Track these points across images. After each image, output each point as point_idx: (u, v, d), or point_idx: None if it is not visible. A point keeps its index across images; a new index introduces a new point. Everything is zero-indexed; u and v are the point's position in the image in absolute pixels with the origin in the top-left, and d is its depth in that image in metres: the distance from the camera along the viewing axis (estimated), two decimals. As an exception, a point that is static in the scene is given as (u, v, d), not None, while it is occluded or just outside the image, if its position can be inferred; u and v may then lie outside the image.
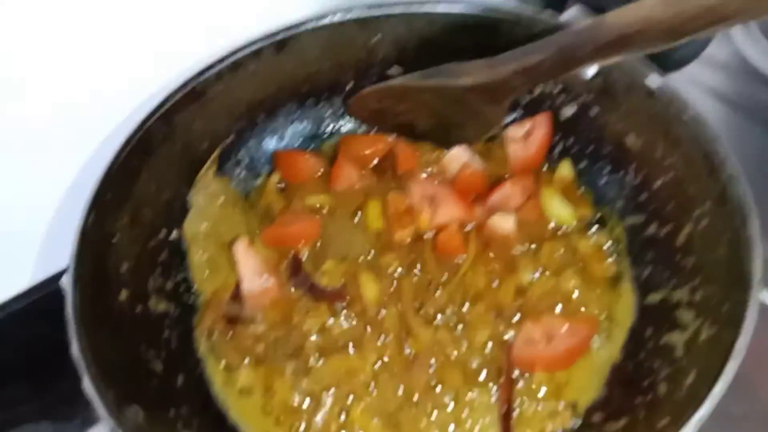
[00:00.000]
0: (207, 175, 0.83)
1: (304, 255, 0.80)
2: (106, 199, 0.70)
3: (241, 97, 0.83)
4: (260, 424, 0.70)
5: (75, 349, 0.59)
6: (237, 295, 0.78)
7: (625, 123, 0.76)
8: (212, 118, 0.82)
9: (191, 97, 0.78)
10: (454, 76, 0.74)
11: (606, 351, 0.71)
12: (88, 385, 0.57)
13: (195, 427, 0.66)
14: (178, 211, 0.81)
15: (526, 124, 0.85)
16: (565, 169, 0.83)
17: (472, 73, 0.72)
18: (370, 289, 0.76)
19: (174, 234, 0.79)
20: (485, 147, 0.87)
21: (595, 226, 0.79)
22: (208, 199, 0.83)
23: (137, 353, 0.68)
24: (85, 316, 0.62)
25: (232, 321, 0.76)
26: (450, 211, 0.80)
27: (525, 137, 0.85)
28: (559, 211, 0.79)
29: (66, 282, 0.63)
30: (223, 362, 0.74)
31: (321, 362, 0.72)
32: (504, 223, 0.78)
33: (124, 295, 0.70)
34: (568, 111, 0.82)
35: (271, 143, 0.88)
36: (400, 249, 0.79)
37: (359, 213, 0.83)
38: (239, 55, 0.80)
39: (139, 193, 0.75)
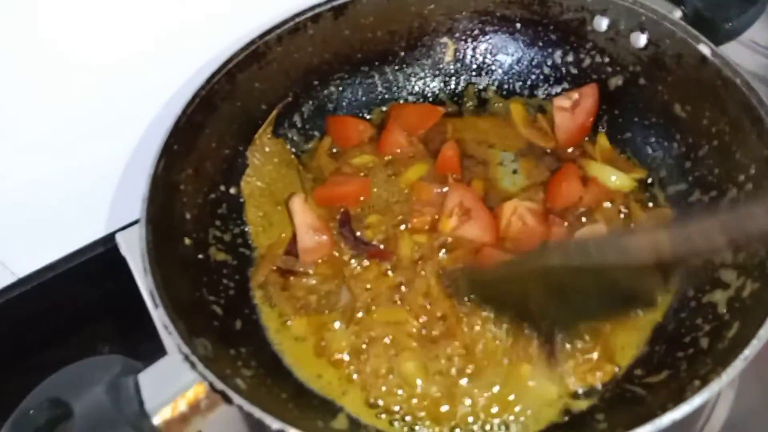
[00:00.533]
0: (264, 135, 0.86)
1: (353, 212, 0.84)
2: (174, 149, 0.74)
3: (299, 60, 0.87)
4: (314, 366, 0.73)
5: (149, 282, 0.62)
6: (291, 251, 0.81)
7: (673, 92, 0.78)
8: (271, 79, 0.85)
9: (253, 57, 0.82)
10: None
11: (650, 314, 0.72)
12: (162, 315, 0.60)
13: (253, 367, 0.69)
14: (236, 168, 0.84)
15: (574, 95, 0.87)
16: (603, 140, 0.86)
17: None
18: (405, 246, 0.80)
19: (233, 190, 0.83)
20: (531, 117, 0.90)
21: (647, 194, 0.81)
22: (264, 159, 0.87)
23: (200, 296, 0.72)
24: (157, 254, 0.66)
25: (286, 274, 0.80)
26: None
27: (572, 107, 0.87)
28: (616, 177, 0.81)
29: (139, 220, 0.67)
30: (277, 311, 0.77)
31: (369, 313, 0.75)
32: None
33: (187, 241, 0.74)
34: (616, 81, 0.84)
35: (323, 108, 0.92)
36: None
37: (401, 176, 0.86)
38: (299, 19, 0.84)
39: (203, 146, 0.79)
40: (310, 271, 0.80)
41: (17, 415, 0.59)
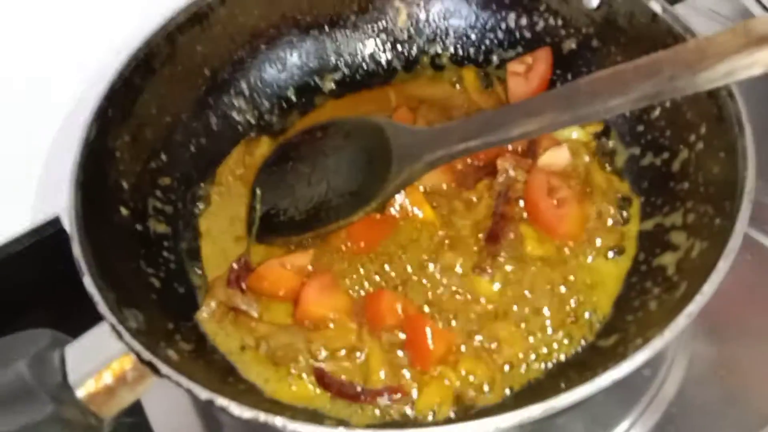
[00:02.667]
0: (226, 174, 0.82)
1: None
2: (109, 114, 0.70)
3: (245, 23, 0.84)
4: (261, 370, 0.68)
5: (76, 248, 0.59)
6: (237, 278, 0.72)
7: (626, 53, 0.76)
8: (214, 43, 0.82)
9: (195, 19, 0.79)
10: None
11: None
12: (88, 283, 0.57)
13: (193, 341, 0.67)
14: (178, 139, 0.81)
15: (528, 59, 0.85)
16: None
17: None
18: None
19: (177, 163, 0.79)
20: (483, 83, 0.88)
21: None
22: (225, 200, 0.81)
23: (137, 267, 0.69)
24: (86, 221, 0.63)
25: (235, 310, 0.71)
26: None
27: (526, 72, 0.85)
28: (568, 130, 0.79)
29: (67, 187, 0.64)
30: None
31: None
32: (561, 156, 0.76)
33: (124, 211, 0.71)
34: (570, 44, 0.82)
35: (272, 74, 0.88)
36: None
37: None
38: (244, -22, 0.80)
39: (141, 112, 0.75)
40: (254, 314, 0.70)
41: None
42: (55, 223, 0.89)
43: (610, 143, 0.79)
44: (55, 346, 0.57)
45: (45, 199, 0.86)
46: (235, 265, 0.73)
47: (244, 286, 0.72)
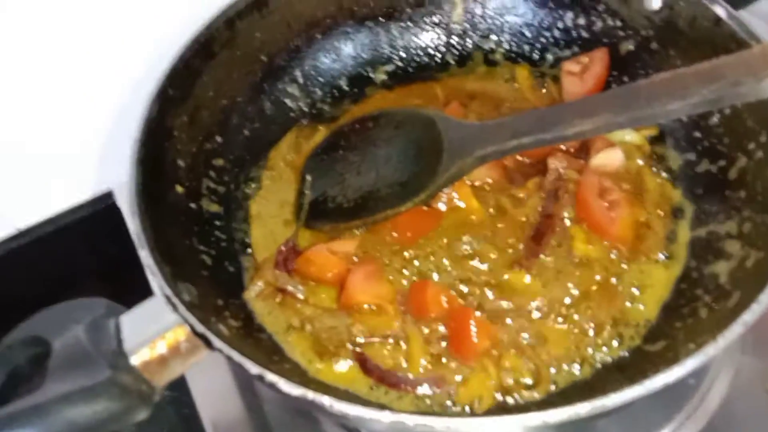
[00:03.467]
0: (279, 158, 0.84)
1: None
2: (169, 94, 0.72)
3: (302, 12, 0.85)
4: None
5: (137, 222, 0.61)
6: (285, 261, 0.73)
7: (686, 57, 0.75)
8: (272, 30, 0.83)
9: (254, 5, 0.80)
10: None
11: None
12: (146, 257, 0.59)
13: (241, 319, 0.68)
14: (233, 122, 0.82)
15: (584, 59, 0.84)
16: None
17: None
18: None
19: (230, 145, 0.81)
20: (537, 82, 0.88)
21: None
22: (277, 184, 0.82)
23: (190, 244, 0.71)
24: (145, 196, 0.64)
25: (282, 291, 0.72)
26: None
27: (581, 72, 0.84)
28: (621, 132, 0.78)
29: (128, 163, 0.65)
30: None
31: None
32: (614, 157, 0.76)
33: (179, 189, 0.73)
34: (627, 46, 0.82)
35: (326, 63, 0.89)
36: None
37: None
38: (304, -32, 0.81)
39: (199, 94, 0.77)
40: (300, 296, 0.71)
41: (-3, 350, 0.58)
42: (108, 197, 0.92)
43: (666, 148, 0.78)
44: (110, 314, 0.59)
45: (104, 173, 0.88)
46: (283, 248, 0.75)
47: (291, 268, 0.73)
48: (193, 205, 0.74)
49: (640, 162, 0.77)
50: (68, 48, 0.78)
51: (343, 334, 0.68)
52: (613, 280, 0.70)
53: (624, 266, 0.70)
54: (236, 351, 0.53)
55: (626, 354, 0.65)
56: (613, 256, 0.71)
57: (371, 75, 0.91)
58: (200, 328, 0.54)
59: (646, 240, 0.72)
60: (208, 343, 0.54)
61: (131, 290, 0.66)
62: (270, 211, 0.80)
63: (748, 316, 0.51)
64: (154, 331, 0.55)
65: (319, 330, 0.68)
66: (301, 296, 0.71)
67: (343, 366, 0.67)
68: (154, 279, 0.58)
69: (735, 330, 0.51)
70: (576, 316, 0.68)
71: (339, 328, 0.68)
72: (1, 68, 0.75)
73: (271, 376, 0.52)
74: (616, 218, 0.72)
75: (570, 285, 0.70)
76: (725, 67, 0.60)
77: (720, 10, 0.70)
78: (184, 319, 0.55)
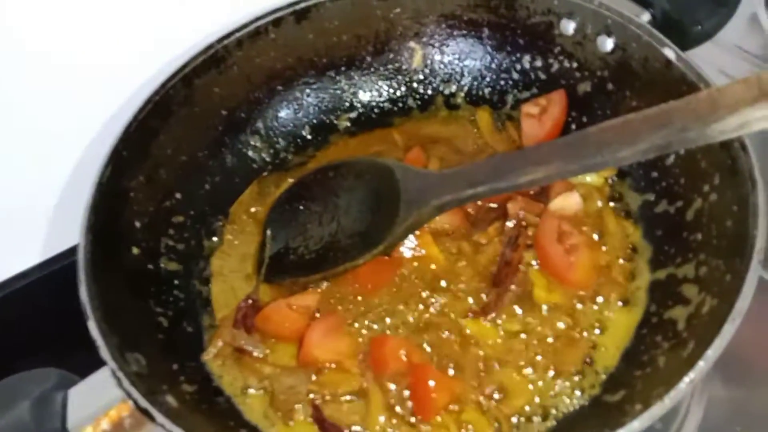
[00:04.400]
0: (241, 213, 0.83)
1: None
2: (123, 155, 0.72)
3: (261, 65, 0.85)
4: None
5: (82, 292, 0.61)
6: (243, 318, 0.72)
7: (641, 98, 0.75)
8: (231, 84, 0.83)
9: (211, 62, 0.80)
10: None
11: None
12: (92, 328, 0.58)
13: (198, 382, 0.67)
14: (193, 178, 0.82)
15: (542, 101, 0.84)
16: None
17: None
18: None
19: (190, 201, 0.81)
20: (497, 124, 0.88)
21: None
22: (240, 239, 0.82)
23: (146, 307, 0.70)
24: (95, 264, 0.64)
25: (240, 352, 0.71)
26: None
27: (540, 114, 0.84)
28: (583, 175, 0.78)
29: (78, 231, 0.65)
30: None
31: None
32: (573, 201, 0.75)
33: (135, 251, 0.73)
34: (584, 87, 0.82)
35: (288, 113, 0.90)
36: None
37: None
38: (260, 22, 0.82)
39: (156, 153, 0.77)
40: (259, 354, 0.70)
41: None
42: (67, 255, 0.90)
43: (624, 188, 0.77)
44: (61, 387, 0.59)
45: (58, 233, 0.87)
46: (242, 304, 0.74)
47: (251, 325, 0.72)
48: (150, 266, 0.74)
49: (599, 203, 0.76)
50: (21, 105, 0.77)
51: (301, 393, 0.67)
52: (576, 326, 0.69)
53: (585, 312, 0.70)
54: (180, 427, 0.52)
55: (586, 405, 0.64)
56: (574, 301, 0.71)
57: (334, 122, 0.91)
58: (143, 403, 0.53)
59: (607, 284, 0.71)
60: (152, 418, 0.53)
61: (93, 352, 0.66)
62: (231, 266, 0.80)
63: (694, 374, 0.50)
64: (99, 406, 0.55)
65: (278, 390, 0.67)
66: (260, 355, 0.70)
67: (302, 428, 0.66)
68: (100, 351, 0.57)
69: (681, 388, 0.50)
70: (536, 366, 0.67)
71: (297, 387, 0.67)
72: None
73: (213, 452, 0.51)
74: (575, 263, 0.71)
75: (529, 331, 0.69)
76: (673, 113, 0.59)
77: (670, 53, 0.71)
78: (127, 394, 0.54)
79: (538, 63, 0.85)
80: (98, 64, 0.78)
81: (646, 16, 0.76)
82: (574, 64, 0.82)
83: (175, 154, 0.79)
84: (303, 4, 0.83)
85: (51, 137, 0.79)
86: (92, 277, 0.63)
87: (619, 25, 0.75)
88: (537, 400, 0.65)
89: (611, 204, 0.77)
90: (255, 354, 0.70)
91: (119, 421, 0.54)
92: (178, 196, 0.80)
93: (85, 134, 0.81)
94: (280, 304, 0.73)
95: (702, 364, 0.50)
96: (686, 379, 0.50)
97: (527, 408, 0.65)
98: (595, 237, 0.75)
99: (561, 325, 0.69)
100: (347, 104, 0.92)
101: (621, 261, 0.73)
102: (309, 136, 0.90)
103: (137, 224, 0.74)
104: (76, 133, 0.81)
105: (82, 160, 0.82)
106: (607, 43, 0.77)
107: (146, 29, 0.79)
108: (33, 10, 0.70)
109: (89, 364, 0.59)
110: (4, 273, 0.84)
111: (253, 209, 0.84)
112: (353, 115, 0.92)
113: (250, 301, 0.74)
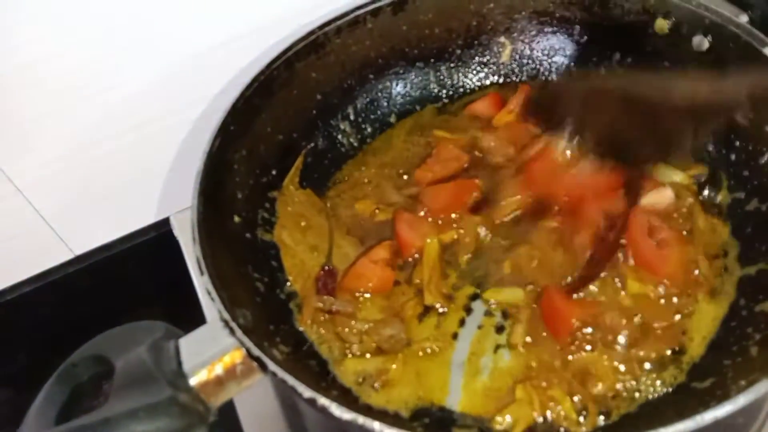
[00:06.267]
0: (291, 185, 0.85)
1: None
2: (230, 129, 0.76)
3: (356, 53, 0.89)
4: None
5: (197, 250, 0.64)
6: (325, 285, 0.76)
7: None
8: (327, 70, 0.87)
9: (312, 47, 0.84)
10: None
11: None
12: (206, 281, 0.62)
13: (292, 345, 0.70)
14: (288, 157, 0.86)
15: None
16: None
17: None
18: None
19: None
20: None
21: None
22: (295, 208, 0.84)
23: (245, 271, 0.74)
24: (205, 226, 0.68)
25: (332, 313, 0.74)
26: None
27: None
28: (669, 173, 0.79)
29: (191, 194, 0.69)
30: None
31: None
32: (664, 195, 0.77)
33: (237, 219, 0.76)
34: (673, 86, 0.82)
35: (377, 101, 0.93)
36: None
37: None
38: (359, 12, 0.86)
39: (258, 129, 0.81)
40: (350, 309, 0.74)
41: (62, 369, 0.62)
42: (163, 225, 0.96)
43: (715, 187, 0.78)
44: (170, 337, 0.62)
45: (162, 202, 0.93)
46: (321, 273, 0.78)
47: (332, 289, 0.76)
48: (248, 235, 0.77)
49: (690, 200, 0.77)
50: (138, 86, 0.83)
51: (402, 340, 0.70)
52: (663, 317, 0.70)
53: (673, 304, 0.70)
54: (290, 375, 0.55)
55: (673, 391, 0.65)
56: (662, 293, 0.71)
57: (420, 111, 0.94)
58: (256, 351, 0.57)
59: (696, 278, 0.72)
60: (263, 366, 0.56)
61: (183, 317, 0.70)
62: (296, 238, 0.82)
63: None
64: (212, 353, 0.58)
65: (380, 341, 0.71)
66: (351, 310, 0.73)
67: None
68: (213, 304, 0.61)
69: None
70: (621, 351, 0.68)
71: (397, 335, 0.71)
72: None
73: (323, 400, 0.54)
74: (666, 256, 0.72)
75: (622, 320, 0.70)
76: None
77: (768, 51, 0.71)
78: (240, 343, 0.57)
79: (629, 60, 0.86)
80: (207, 45, 0.83)
81: (744, 18, 0.77)
82: (667, 63, 0.83)
83: (273, 132, 0.83)
84: (401, -4, 0.87)
85: (160, 111, 0.84)
86: (203, 236, 0.66)
87: (717, 25, 0.76)
88: (619, 386, 0.66)
89: (700, 201, 0.78)
90: (348, 310, 0.73)
91: (232, 368, 0.57)
92: (273, 172, 0.84)
93: (193, 110, 0.86)
94: (364, 262, 0.77)
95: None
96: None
97: (613, 389, 0.66)
98: (684, 233, 0.75)
99: (648, 314, 0.70)
100: (434, 95, 0.94)
101: (710, 256, 0.73)
102: (395, 123, 0.93)
103: (239, 195, 0.78)
104: (184, 110, 0.86)
105: (187, 135, 0.87)
106: (704, 43, 0.78)
107: (253, 17, 0.84)
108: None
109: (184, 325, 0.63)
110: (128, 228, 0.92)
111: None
112: (438, 105, 0.94)
113: (327, 268, 0.78)
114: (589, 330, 0.69)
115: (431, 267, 0.76)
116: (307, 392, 0.54)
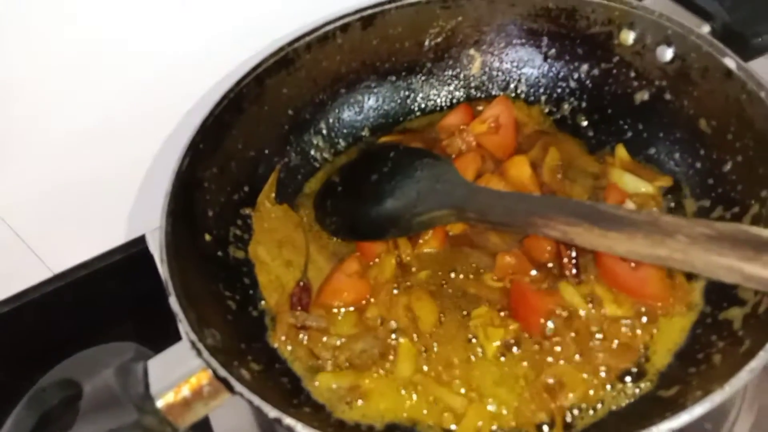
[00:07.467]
0: (266, 201, 0.86)
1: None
2: (200, 147, 0.76)
3: (327, 68, 0.89)
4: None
5: (165, 270, 0.65)
6: (298, 301, 0.77)
7: (699, 107, 0.77)
8: (298, 86, 0.88)
9: (282, 63, 0.85)
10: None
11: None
12: (173, 302, 0.62)
13: (264, 363, 0.70)
14: (260, 173, 0.86)
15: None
16: (622, 151, 0.84)
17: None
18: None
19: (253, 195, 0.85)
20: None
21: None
22: (270, 224, 0.85)
23: (217, 290, 0.74)
24: (175, 246, 0.68)
25: (303, 330, 0.75)
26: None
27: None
28: (636, 184, 0.79)
29: (160, 215, 0.69)
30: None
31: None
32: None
33: (208, 237, 0.77)
34: (642, 96, 0.84)
35: (349, 115, 0.93)
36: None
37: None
38: (328, 27, 0.86)
39: (229, 147, 0.81)
40: (323, 324, 0.74)
41: (31, 393, 0.62)
42: (139, 242, 0.96)
43: (680, 196, 0.79)
44: (139, 358, 0.62)
45: (136, 219, 0.93)
46: (295, 290, 0.78)
47: (306, 305, 0.77)
48: (220, 253, 0.78)
49: (655, 210, 0.78)
50: (111, 107, 0.83)
51: (374, 355, 0.71)
52: (632, 327, 0.71)
53: (646, 319, 0.71)
54: (256, 395, 0.55)
55: (640, 400, 0.65)
56: (642, 310, 0.71)
57: (393, 125, 0.95)
58: (222, 372, 0.57)
59: (675, 292, 0.72)
60: (230, 387, 0.57)
61: (162, 333, 0.70)
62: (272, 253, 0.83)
63: (755, 363, 0.51)
64: (179, 375, 0.58)
65: (352, 357, 0.71)
66: (324, 325, 0.74)
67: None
68: (180, 324, 0.61)
69: (742, 377, 0.51)
70: (589, 363, 0.68)
71: (369, 351, 0.71)
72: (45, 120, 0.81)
73: (288, 420, 0.54)
74: (646, 278, 0.71)
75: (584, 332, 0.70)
76: None
77: (730, 62, 0.72)
78: (207, 364, 0.57)
79: (596, 72, 0.87)
80: (174, 64, 0.83)
81: (706, 28, 0.78)
82: (632, 74, 0.84)
83: (244, 149, 0.84)
84: (370, 11, 0.87)
85: (131, 130, 0.84)
86: (172, 256, 0.67)
87: (679, 36, 0.77)
88: (592, 393, 0.67)
89: (666, 209, 0.78)
90: (322, 326, 0.73)
91: (199, 389, 0.57)
92: (245, 189, 0.84)
93: (164, 128, 0.86)
94: (339, 276, 0.78)
95: (763, 354, 0.52)
96: (747, 368, 0.51)
97: (581, 398, 0.66)
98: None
99: (624, 330, 0.70)
100: (406, 108, 0.95)
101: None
102: (368, 136, 0.94)
103: (210, 213, 0.78)
104: (155, 125, 0.86)
105: (161, 151, 0.87)
106: (667, 53, 0.79)
107: (221, 33, 0.84)
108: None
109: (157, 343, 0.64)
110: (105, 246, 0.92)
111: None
112: (411, 118, 0.95)
113: (301, 284, 0.78)
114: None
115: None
116: (272, 412, 0.55)
